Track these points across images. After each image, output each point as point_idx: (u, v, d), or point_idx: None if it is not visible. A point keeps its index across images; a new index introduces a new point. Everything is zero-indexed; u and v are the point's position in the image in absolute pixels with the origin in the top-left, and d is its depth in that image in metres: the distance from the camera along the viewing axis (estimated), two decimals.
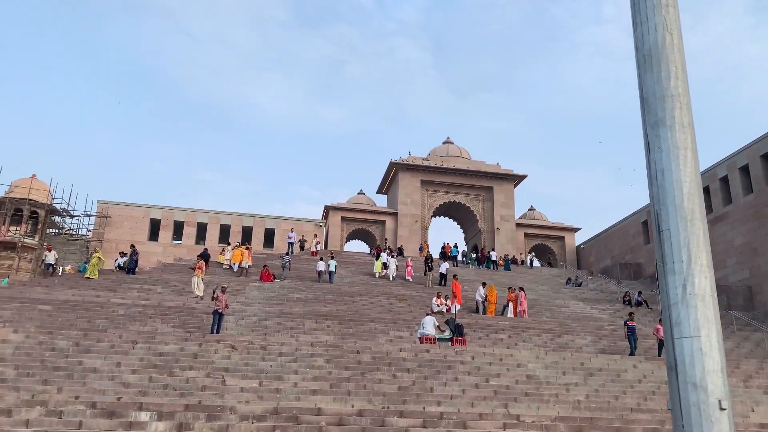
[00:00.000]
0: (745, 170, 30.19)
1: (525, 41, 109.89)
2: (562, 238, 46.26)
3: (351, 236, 44.91)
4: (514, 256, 40.56)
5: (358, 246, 48.32)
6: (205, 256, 27.51)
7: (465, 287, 26.70)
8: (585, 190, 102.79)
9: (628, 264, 37.40)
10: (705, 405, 5.67)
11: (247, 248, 28.96)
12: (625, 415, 12.78)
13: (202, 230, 36.30)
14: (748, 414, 13.96)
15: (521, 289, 24.80)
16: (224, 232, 36.04)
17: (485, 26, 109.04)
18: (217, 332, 16.69)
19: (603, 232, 42.92)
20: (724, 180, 31.42)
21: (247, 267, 27.63)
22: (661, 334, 18.12)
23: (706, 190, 32.60)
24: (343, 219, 43.23)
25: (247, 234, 36.21)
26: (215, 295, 17.26)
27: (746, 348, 21.81)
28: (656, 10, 6.08)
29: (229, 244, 32.22)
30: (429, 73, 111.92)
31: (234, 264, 28.20)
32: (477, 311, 24.00)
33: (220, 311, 16.96)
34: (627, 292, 29.61)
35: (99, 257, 24.78)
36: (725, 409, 5.65)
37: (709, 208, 32.32)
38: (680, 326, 5.77)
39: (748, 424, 13.17)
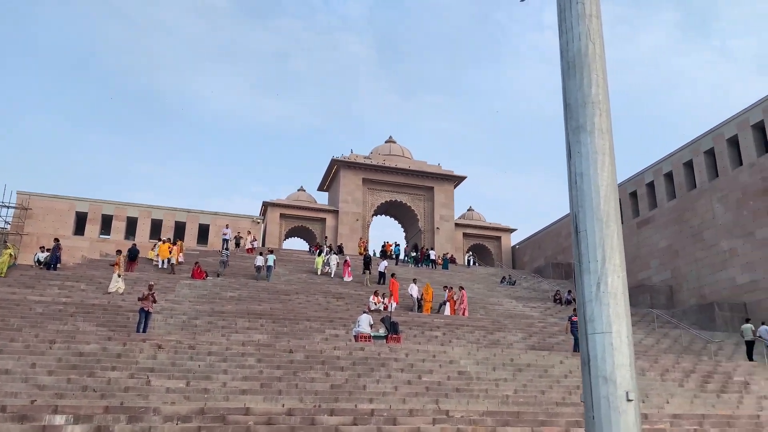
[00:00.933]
0: (669, 177, 31.92)
1: (470, 44, 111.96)
2: (498, 239, 47.49)
3: (290, 234, 44.51)
4: (452, 255, 41.31)
5: (297, 244, 47.96)
6: (133, 251, 26.58)
7: (404, 286, 26.98)
8: (523, 192, 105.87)
9: (559, 264, 38.83)
10: (614, 397, 5.99)
11: (176, 244, 28.16)
12: (550, 409, 13.28)
13: (132, 225, 35.04)
14: (663, 405, 14.80)
15: (461, 288, 25.37)
16: (156, 228, 34.92)
17: (431, 28, 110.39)
18: (144, 331, 16.18)
19: (537, 233, 44.37)
20: (651, 185, 33.11)
21: (174, 263, 26.86)
22: None
23: (634, 195, 34.25)
24: (282, 216, 42.79)
25: (180, 229, 35.22)
26: (144, 294, 16.74)
27: (665, 344, 23.08)
28: (581, 19, 6.36)
29: (160, 239, 31.29)
30: (374, 72, 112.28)
31: (161, 260, 27.38)
32: (414, 309, 24.31)
33: (146, 309, 16.45)
34: (558, 290, 30.74)
35: (10, 254, 23.27)
36: (632, 400, 5.98)
37: (636, 212, 34.01)
38: (594, 323, 6.06)
39: (662, 415, 13.95)
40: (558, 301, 29.44)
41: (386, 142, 48.25)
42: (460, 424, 11.55)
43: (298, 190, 45.84)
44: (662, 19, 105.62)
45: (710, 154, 29.44)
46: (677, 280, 30.42)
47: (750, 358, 20.65)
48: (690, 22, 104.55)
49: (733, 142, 28.20)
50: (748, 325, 21.34)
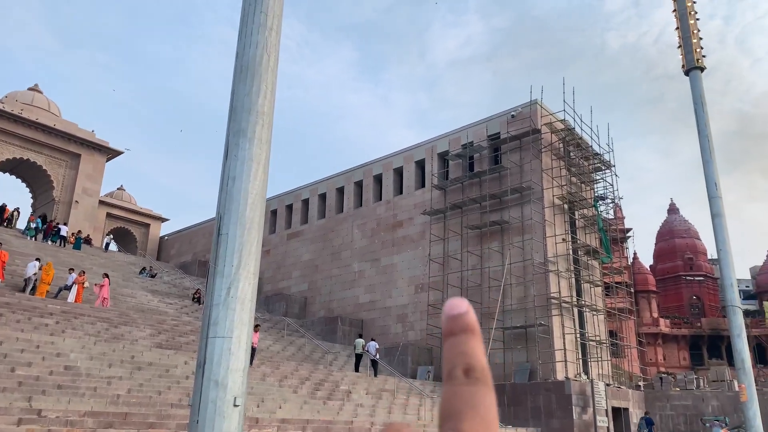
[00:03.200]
0: (323, 197, 35.43)
1: (155, 13, 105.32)
2: (147, 226, 45.33)
3: None
4: (89, 235, 37.63)
5: None
6: None
7: (16, 261, 23.39)
8: (185, 182, 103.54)
9: (206, 262, 39.03)
10: (222, 402, 6.29)
11: None
12: (163, 411, 13.13)
13: None
14: (275, 410, 16.10)
15: (106, 275, 23.42)
16: None
17: None
18: None
19: (189, 227, 43.87)
20: (306, 202, 36.18)
21: None
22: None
23: (290, 208, 36.91)
24: None
25: None
26: None
27: (290, 351, 25.23)
28: (261, 29, 6.68)
29: None
30: (35, 5, 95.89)
31: None
32: (24, 290, 21.23)
33: None
34: (199, 289, 30.82)
35: None
36: (238, 405, 6.39)
37: (289, 224, 36.65)
38: (217, 326, 6.30)
39: (273, 419, 15.15)
40: (197, 300, 29.49)
41: (30, 89, 41.54)
42: (54, 426, 10.49)
43: None
44: (343, 55, 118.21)
45: (359, 185, 33.80)
46: (312, 293, 33.73)
47: (356, 369, 24.07)
48: (365, 66, 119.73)
49: (378, 180, 32.97)
50: (360, 340, 24.91)
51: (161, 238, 45.68)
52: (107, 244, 39.57)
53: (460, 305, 0.36)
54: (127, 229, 44.36)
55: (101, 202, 42.01)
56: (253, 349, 19.30)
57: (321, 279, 33.54)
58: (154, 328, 21.47)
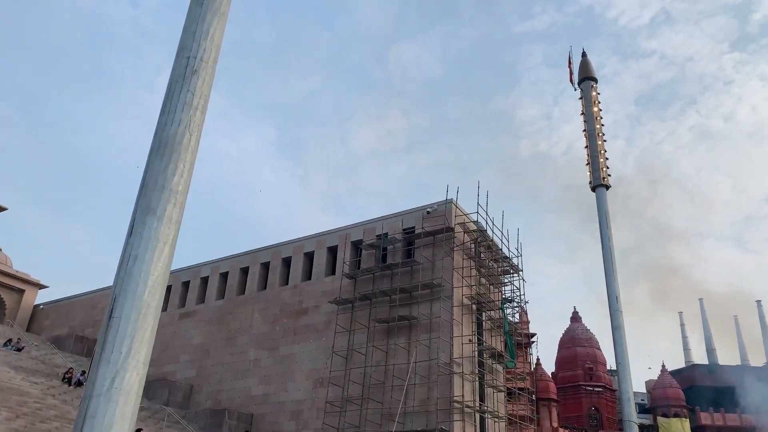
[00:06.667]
0: (224, 276, 34.41)
1: (65, 64, 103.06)
2: (21, 291, 41.96)
3: None
4: None
5: None
6: None
7: None
8: (77, 247, 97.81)
9: (85, 338, 36.39)
10: None
11: None
12: None
13: None
14: None
15: None
16: None
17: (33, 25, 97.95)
18: None
19: (69, 298, 41.11)
20: (205, 280, 34.95)
21: None
22: None
23: (186, 285, 35.48)
24: None
25: None
26: None
27: None
28: (186, 107, 6.72)
29: None
30: None
31: None
32: None
33: None
34: (71, 368, 28.48)
35: None
36: None
37: (183, 303, 35.12)
38: (94, 420, 5.85)
39: None
40: (68, 380, 27.17)
41: None
42: None
43: None
44: (262, 131, 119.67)
45: (266, 267, 33.21)
46: (200, 380, 31.93)
47: None
48: (285, 143, 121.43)
49: (287, 263, 32.59)
50: None
51: (35, 306, 42.32)
52: None
53: None
54: None
55: None
56: None
57: (211, 365, 31.94)
58: (12, 410, 19.49)
